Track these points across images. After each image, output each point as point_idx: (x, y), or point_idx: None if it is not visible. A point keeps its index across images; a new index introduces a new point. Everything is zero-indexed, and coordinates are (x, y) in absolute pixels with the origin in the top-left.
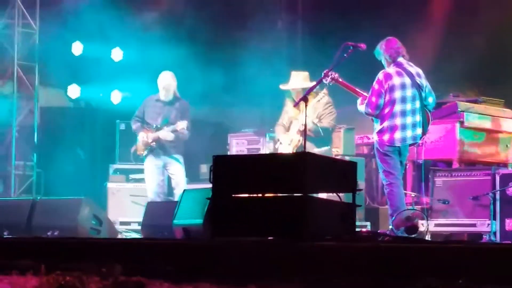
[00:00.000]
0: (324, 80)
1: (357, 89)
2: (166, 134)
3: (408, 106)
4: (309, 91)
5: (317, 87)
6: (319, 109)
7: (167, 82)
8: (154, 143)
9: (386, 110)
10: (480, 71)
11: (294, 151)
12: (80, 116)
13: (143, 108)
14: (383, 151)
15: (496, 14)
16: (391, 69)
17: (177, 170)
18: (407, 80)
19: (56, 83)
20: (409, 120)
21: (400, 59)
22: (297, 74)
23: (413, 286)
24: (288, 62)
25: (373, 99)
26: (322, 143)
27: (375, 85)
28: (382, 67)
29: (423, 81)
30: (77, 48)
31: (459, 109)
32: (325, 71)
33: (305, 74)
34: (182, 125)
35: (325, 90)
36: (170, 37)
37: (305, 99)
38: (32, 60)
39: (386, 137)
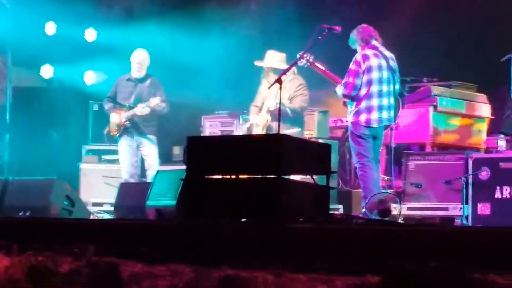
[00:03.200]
0: (299, 62)
1: (331, 73)
2: (142, 110)
3: (385, 88)
4: (283, 73)
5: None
6: (291, 90)
7: (142, 57)
8: (128, 122)
9: (363, 91)
10: (453, 55)
11: (263, 131)
12: (53, 97)
13: (115, 89)
14: (358, 133)
15: None
16: (368, 51)
17: (150, 151)
18: (383, 62)
19: (29, 63)
20: (385, 101)
21: (374, 42)
22: (274, 54)
23: (387, 268)
24: (263, 44)
25: (350, 79)
26: (294, 124)
27: (352, 66)
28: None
29: (396, 66)
30: (50, 28)
31: (432, 93)
32: (300, 53)
33: (282, 55)
34: (154, 101)
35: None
36: (143, 18)
37: (279, 81)
38: (5, 39)
39: (362, 117)
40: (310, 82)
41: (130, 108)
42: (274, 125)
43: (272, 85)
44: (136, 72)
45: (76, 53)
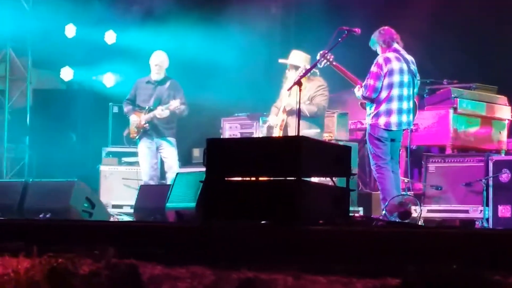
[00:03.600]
0: (318, 64)
1: (351, 74)
2: (161, 112)
3: (405, 91)
4: (304, 74)
5: (312, 71)
6: (311, 91)
7: (160, 59)
8: (147, 125)
9: (384, 94)
10: (474, 57)
11: (281, 131)
12: (73, 99)
13: (135, 91)
14: (376, 136)
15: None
16: (390, 54)
17: (170, 153)
18: (404, 66)
19: (49, 65)
20: (405, 105)
21: (395, 45)
22: (299, 53)
23: (406, 271)
24: (283, 46)
25: (371, 81)
26: (313, 125)
27: (374, 68)
28: (377, 55)
29: (416, 70)
30: (70, 30)
31: (452, 95)
32: (321, 52)
33: (307, 56)
34: (175, 104)
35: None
36: (162, 20)
37: (299, 83)
38: (25, 42)
39: (382, 120)
40: (330, 83)
41: (150, 110)
42: (292, 124)
43: (292, 87)
44: (155, 75)
45: (96, 56)
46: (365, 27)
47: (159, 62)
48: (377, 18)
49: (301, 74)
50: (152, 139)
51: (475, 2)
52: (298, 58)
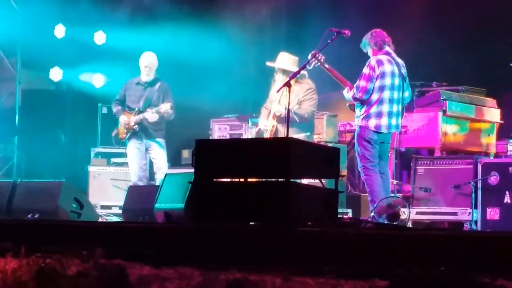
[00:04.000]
0: (308, 66)
1: (341, 76)
2: (151, 115)
3: (396, 95)
4: (293, 75)
5: (302, 72)
6: (300, 95)
7: (150, 60)
8: (136, 126)
9: (375, 96)
10: (463, 59)
11: (270, 136)
12: (62, 99)
13: (124, 92)
14: (366, 138)
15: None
16: (383, 57)
17: (159, 154)
18: (396, 69)
19: (38, 65)
20: (395, 108)
21: (387, 48)
22: (287, 56)
23: (396, 273)
24: (273, 47)
25: (363, 83)
26: (303, 130)
27: (366, 70)
28: (367, 57)
29: (406, 73)
30: (59, 30)
31: (442, 98)
32: (312, 52)
33: (295, 58)
34: (165, 107)
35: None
36: (152, 21)
37: (288, 84)
38: (14, 42)
39: (372, 122)
40: (319, 85)
41: (140, 112)
42: (282, 129)
43: (281, 88)
44: (145, 76)
45: (85, 56)
46: (355, 29)
47: (148, 64)
48: (368, 20)
49: (291, 75)
50: (142, 140)
51: (465, 5)
52: (286, 61)
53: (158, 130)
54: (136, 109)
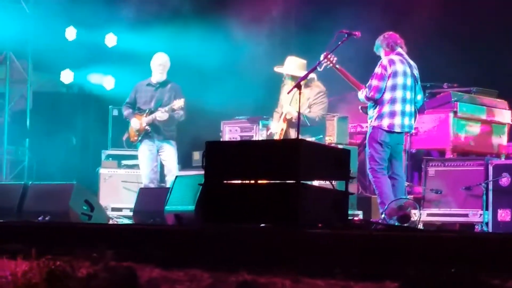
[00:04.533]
0: (318, 67)
1: (352, 77)
2: (161, 114)
3: (408, 94)
4: (304, 77)
5: (311, 75)
6: (310, 98)
7: (164, 59)
8: (148, 127)
9: (387, 96)
10: (474, 61)
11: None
12: (73, 102)
13: (134, 94)
14: (378, 140)
15: (489, 3)
16: (394, 56)
17: (170, 156)
18: (408, 69)
19: (49, 68)
20: (407, 108)
21: (399, 49)
22: (294, 60)
23: (406, 274)
24: (283, 49)
25: (375, 82)
26: (314, 134)
27: (378, 69)
28: (378, 58)
29: (418, 75)
30: (70, 33)
31: (453, 99)
32: (324, 53)
33: (303, 62)
34: (179, 103)
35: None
36: (163, 23)
37: (298, 86)
38: (25, 44)
39: (385, 122)
40: (329, 86)
41: (151, 112)
42: (292, 132)
43: (291, 90)
44: (158, 75)
45: (96, 58)
46: (365, 32)
47: (162, 62)
48: (378, 23)
49: (301, 77)
50: (154, 142)
51: (476, 6)
52: (293, 66)
53: (169, 131)
54: (147, 110)
